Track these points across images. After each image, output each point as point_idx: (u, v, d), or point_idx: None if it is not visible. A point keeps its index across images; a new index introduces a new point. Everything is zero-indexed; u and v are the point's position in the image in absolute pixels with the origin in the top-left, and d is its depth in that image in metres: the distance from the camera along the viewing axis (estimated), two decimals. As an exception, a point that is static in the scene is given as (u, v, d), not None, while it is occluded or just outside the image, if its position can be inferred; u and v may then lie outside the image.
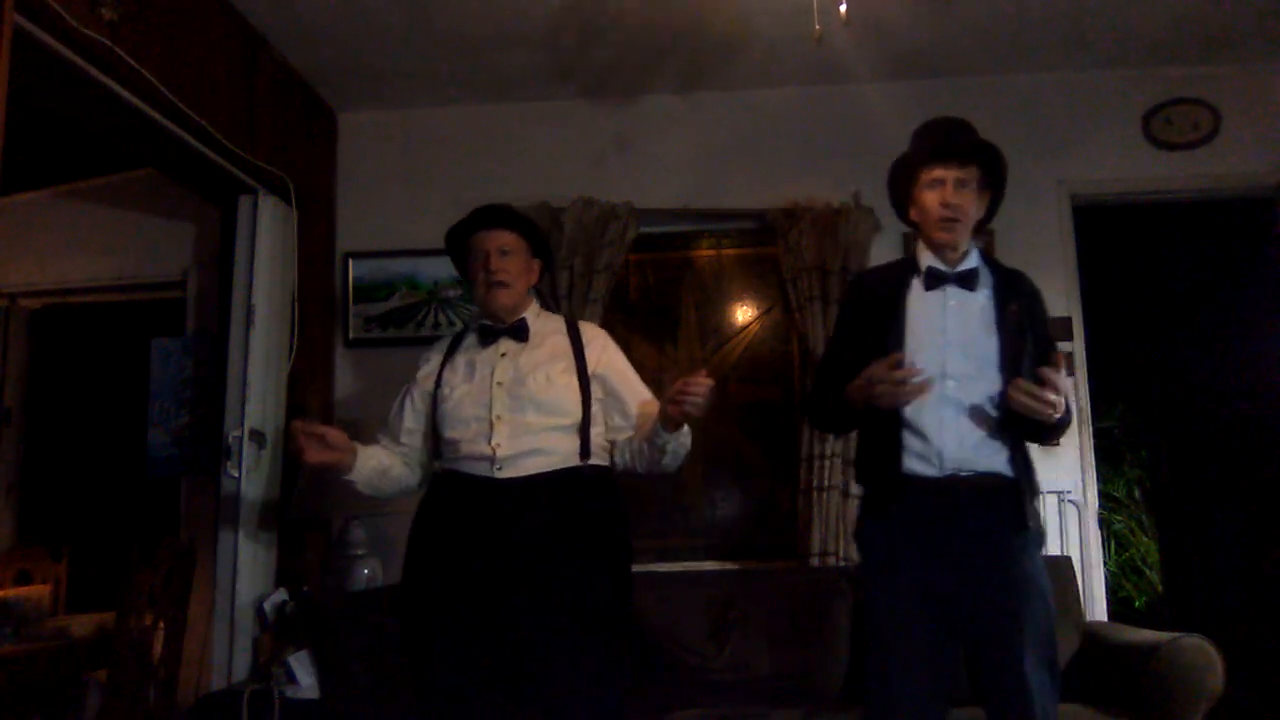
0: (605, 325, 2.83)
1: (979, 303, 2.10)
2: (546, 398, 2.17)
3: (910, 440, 2.03)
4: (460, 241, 2.38)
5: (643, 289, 3.81)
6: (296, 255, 3.50)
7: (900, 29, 3.29)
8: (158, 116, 2.73)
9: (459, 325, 3.71)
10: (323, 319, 3.71)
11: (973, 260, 2.14)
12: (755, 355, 3.73)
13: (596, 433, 2.22)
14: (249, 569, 3.18)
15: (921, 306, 2.11)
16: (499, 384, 2.20)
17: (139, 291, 4.23)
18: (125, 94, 2.58)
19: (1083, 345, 3.57)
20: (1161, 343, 4.75)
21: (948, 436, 2.00)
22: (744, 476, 3.65)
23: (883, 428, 2.06)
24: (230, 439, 3.20)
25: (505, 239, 2.30)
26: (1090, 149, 3.67)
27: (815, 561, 3.34)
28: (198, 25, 2.95)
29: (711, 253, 3.81)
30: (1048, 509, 3.42)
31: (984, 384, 2.03)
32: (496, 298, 2.27)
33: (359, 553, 3.19)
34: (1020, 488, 2.00)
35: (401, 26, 3.28)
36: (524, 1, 3.14)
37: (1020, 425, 2.03)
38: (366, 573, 3.17)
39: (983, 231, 2.27)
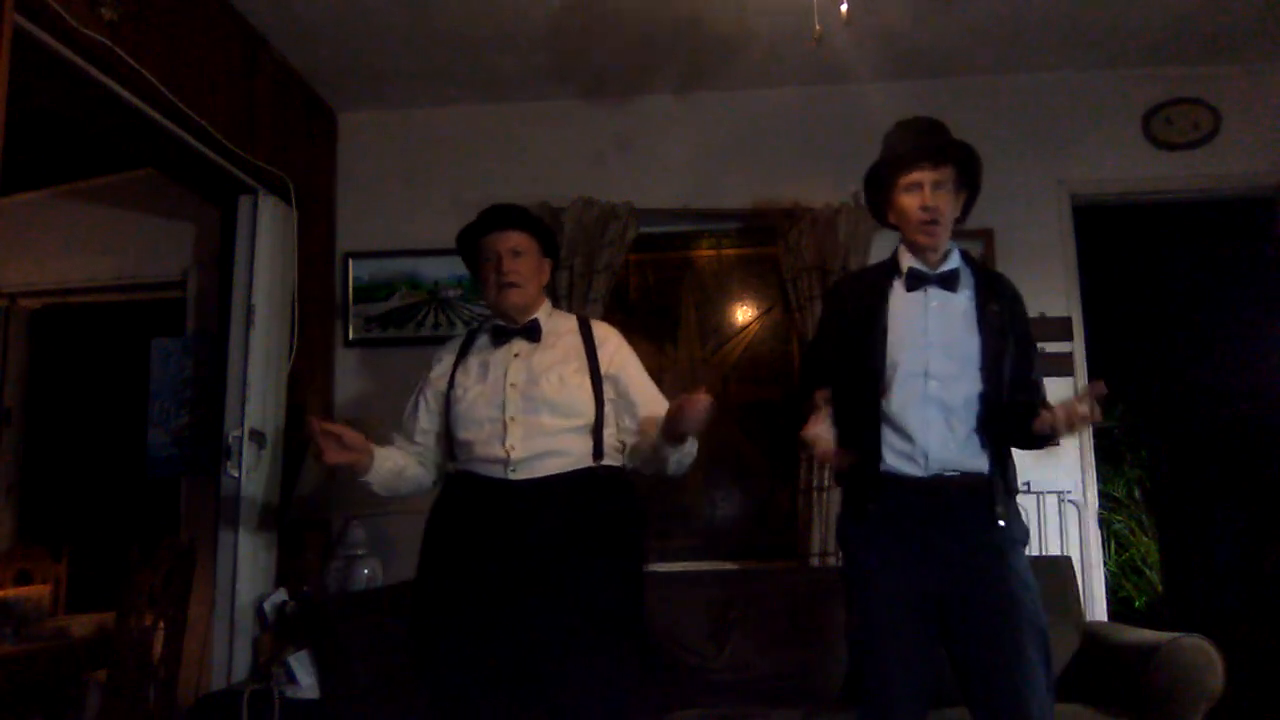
0: (605, 325, 2.82)
1: (960, 303, 2.11)
2: (560, 399, 2.17)
3: (895, 440, 2.04)
4: (471, 243, 2.37)
5: (643, 289, 3.81)
6: (296, 255, 3.50)
7: (900, 29, 3.30)
8: (158, 116, 2.73)
9: (459, 325, 3.73)
10: (323, 319, 3.71)
11: (953, 261, 2.15)
12: (755, 355, 3.73)
13: (609, 433, 2.22)
14: (249, 569, 3.18)
15: (903, 307, 2.12)
16: (512, 385, 2.19)
17: (139, 291, 4.23)
18: (125, 94, 2.58)
19: (1083, 345, 3.57)
20: (1161, 343, 4.75)
21: (932, 436, 2.02)
22: (744, 476, 3.65)
23: (862, 428, 2.07)
24: (230, 439, 3.20)
25: (517, 240, 2.29)
26: (1090, 149, 3.67)
27: (815, 561, 3.34)
28: (198, 25, 2.95)
29: (711, 253, 3.81)
30: (1048, 509, 3.42)
31: (966, 384, 2.04)
32: (509, 298, 2.27)
33: (359, 553, 3.19)
34: (994, 486, 2.01)
35: (401, 26, 3.28)
36: (524, 1, 3.14)
37: (1006, 429, 2.04)
38: (366, 573, 3.17)
39: (965, 226, 2.26)
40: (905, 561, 2.00)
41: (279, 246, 3.38)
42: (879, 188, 2.19)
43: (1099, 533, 3.56)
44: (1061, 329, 3.51)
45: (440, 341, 3.62)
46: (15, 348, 4.47)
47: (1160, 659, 2.54)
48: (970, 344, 2.06)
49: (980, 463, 2.02)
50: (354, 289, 3.80)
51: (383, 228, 3.82)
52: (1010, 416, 2.04)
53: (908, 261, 2.16)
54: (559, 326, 2.33)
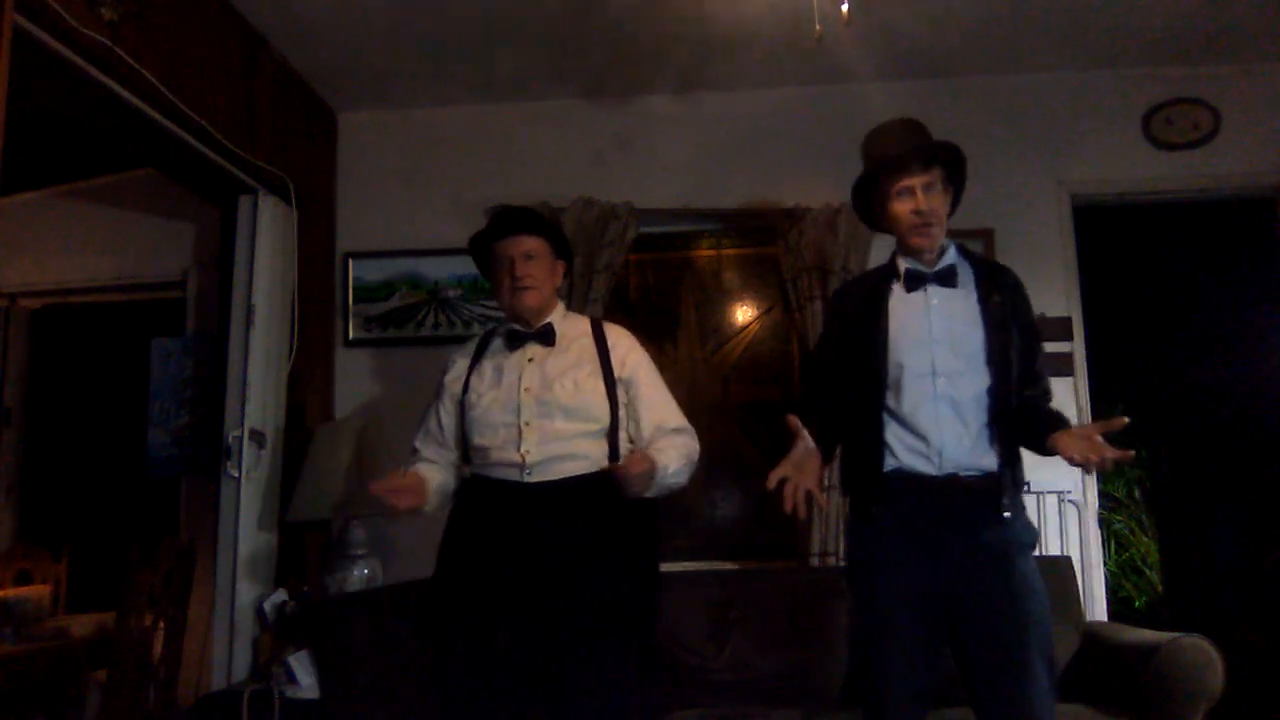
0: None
1: (961, 298, 2.11)
2: (574, 404, 2.17)
3: (909, 439, 2.04)
4: (483, 248, 2.37)
5: (643, 289, 3.81)
6: (296, 255, 3.50)
7: (900, 29, 3.29)
8: (158, 116, 2.73)
9: (459, 325, 3.73)
10: (323, 319, 3.71)
11: (950, 257, 2.15)
12: (755, 355, 3.73)
13: (624, 437, 2.23)
14: (249, 569, 3.18)
15: (904, 308, 2.12)
16: (526, 390, 2.20)
17: (139, 291, 4.23)
18: (125, 94, 2.58)
19: (1083, 345, 3.57)
20: (1161, 343, 4.75)
21: (946, 435, 2.01)
22: (744, 476, 3.65)
23: (868, 428, 2.07)
24: (230, 439, 3.19)
25: (529, 244, 2.30)
26: (1090, 149, 3.67)
27: (815, 561, 3.34)
28: (198, 25, 2.95)
29: (711, 253, 3.82)
30: (1048, 509, 3.42)
31: (973, 379, 2.04)
32: (523, 301, 2.27)
33: (359, 553, 3.19)
34: (1002, 481, 2.01)
35: (401, 26, 3.27)
36: (524, 1, 3.13)
37: (1015, 429, 2.04)
38: (366, 573, 3.17)
39: (969, 224, 2.26)
40: (913, 561, 2.00)
41: (279, 246, 3.38)
42: (869, 195, 2.19)
43: (1099, 533, 3.56)
44: (1061, 329, 3.51)
45: (440, 342, 3.69)
46: (15, 348, 4.47)
47: (1160, 659, 2.54)
48: (975, 339, 2.06)
49: (990, 460, 2.02)
50: (354, 289, 3.79)
51: (383, 228, 3.82)
52: (1019, 417, 2.04)
53: (905, 263, 2.16)
54: (573, 330, 2.34)
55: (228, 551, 3.17)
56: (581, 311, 3.38)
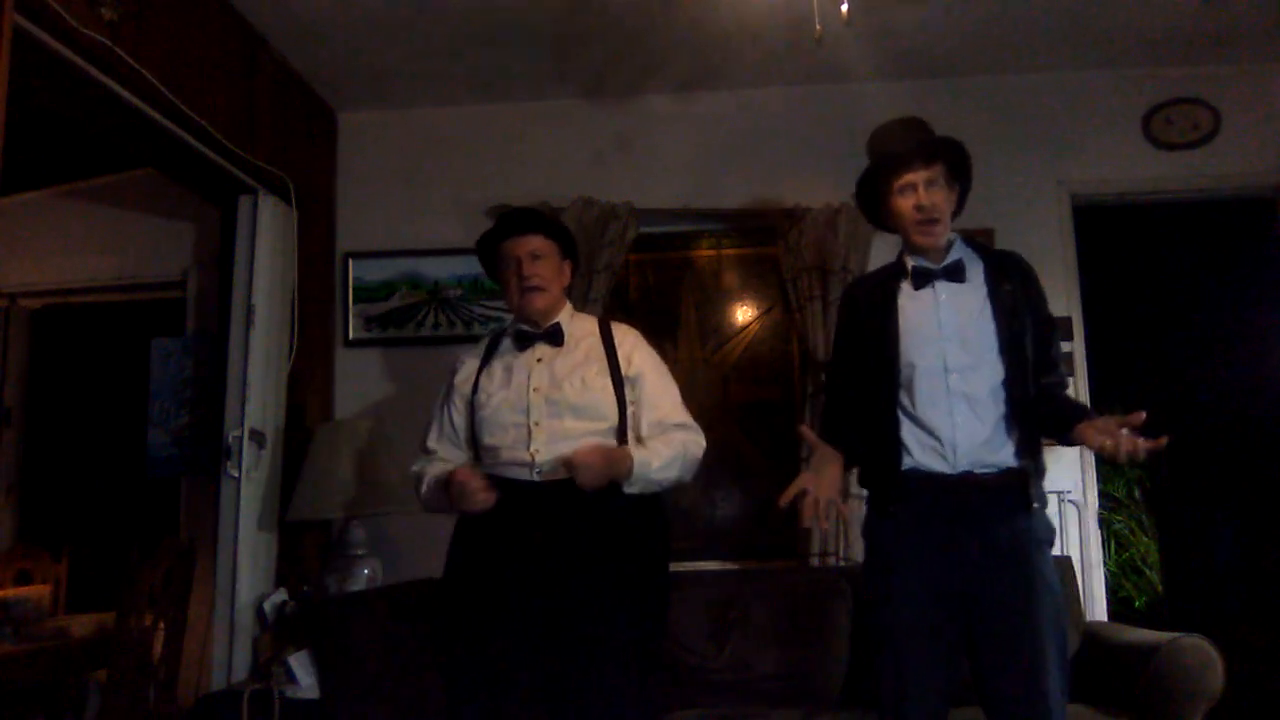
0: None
1: (971, 292, 2.11)
2: (582, 403, 2.18)
3: (922, 437, 2.03)
4: (490, 249, 2.37)
5: (643, 289, 3.81)
6: (296, 255, 3.49)
7: (900, 29, 3.30)
8: (158, 116, 2.72)
9: (459, 325, 3.73)
10: (323, 319, 3.71)
11: (957, 252, 2.15)
12: (755, 355, 3.73)
13: (633, 436, 2.23)
14: (249, 569, 3.17)
15: (913, 305, 2.12)
16: (535, 390, 2.21)
17: (139, 291, 4.23)
18: (125, 94, 2.58)
19: (1083, 345, 3.57)
20: (1161, 343, 4.75)
21: (960, 431, 2.00)
22: (744, 476, 3.65)
23: (884, 427, 2.07)
24: (230, 439, 3.19)
25: (536, 243, 2.31)
26: (1090, 149, 3.67)
27: (815, 561, 3.34)
28: (198, 25, 2.95)
29: (711, 253, 3.81)
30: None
31: (987, 373, 2.03)
32: (532, 302, 2.28)
33: (359, 553, 3.19)
34: (1027, 474, 2.00)
35: (401, 26, 3.27)
36: (524, 1, 3.13)
37: (1039, 419, 2.03)
38: (366, 573, 3.17)
39: (970, 225, 2.26)
40: (927, 561, 1.99)
41: (279, 246, 3.38)
42: (872, 194, 2.19)
43: (1099, 533, 3.56)
44: (1061, 329, 3.50)
45: (440, 342, 3.69)
46: (15, 348, 4.47)
47: (1160, 659, 2.54)
48: (986, 331, 2.05)
49: (1008, 456, 2.01)
50: (354, 289, 3.79)
51: (383, 228, 3.82)
52: (1039, 405, 2.03)
53: (912, 261, 2.15)
54: (580, 329, 2.35)
55: (228, 551, 3.17)
56: (581, 311, 3.39)
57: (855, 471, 2.24)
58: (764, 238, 3.70)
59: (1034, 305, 2.12)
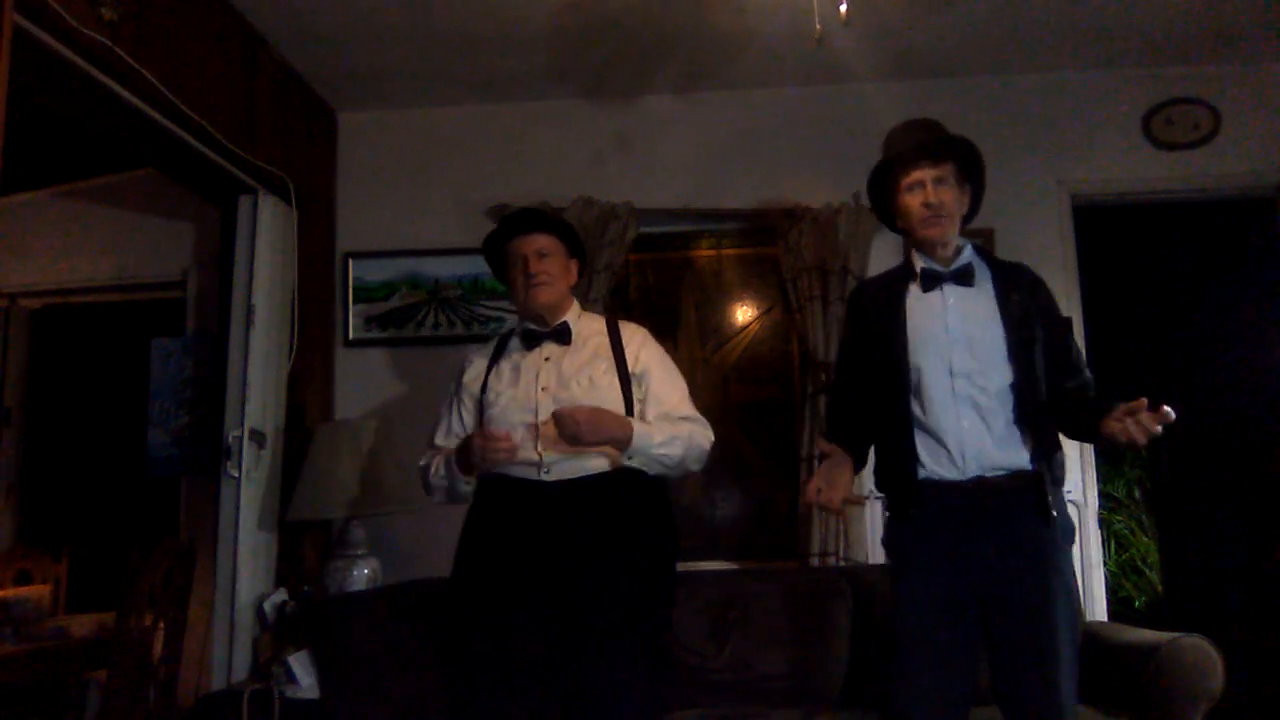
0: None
1: (979, 297, 2.10)
2: (590, 401, 2.18)
3: (932, 446, 2.03)
4: (496, 250, 2.38)
5: (643, 289, 3.81)
6: (296, 255, 3.49)
7: (900, 29, 3.30)
8: (158, 116, 2.72)
9: (459, 325, 3.73)
10: (323, 319, 3.71)
11: (966, 256, 2.15)
12: (755, 355, 3.73)
13: None
14: (249, 569, 3.17)
15: (921, 308, 2.12)
16: (543, 389, 2.22)
17: (139, 291, 4.23)
18: (125, 94, 2.58)
19: (1083, 345, 3.55)
20: (1161, 343, 4.74)
21: (967, 436, 2.00)
22: (744, 476, 3.65)
23: (897, 435, 2.07)
24: (230, 439, 3.19)
25: (542, 242, 2.32)
26: (1090, 149, 3.67)
27: (815, 561, 3.34)
28: (197, 25, 2.95)
29: (711, 253, 3.81)
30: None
31: (994, 377, 2.03)
32: (538, 297, 2.29)
33: (359, 553, 3.19)
34: (1043, 480, 1.99)
35: (401, 26, 3.28)
36: (524, 1, 3.13)
37: (1068, 424, 2.03)
38: (366, 573, 3.17)
39: (969, 227, 2.26)
40: (937, 568, 2.00)
41: (279, 246, 3.38)
42: (883, 193, 2.19)
43: (1099, 533, 3.56)
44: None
45: (441, 342, 3.70)
46: (15, 348, 4.47)
47: (1160, 659, 2.54)
48: (994, 336, 2.05)
49: (1022, 458, 2.00)
50: (354, 289, 3.79)
51: (383, 228, 3.82)
52: (1067, 410, 2.03)
53: (921, 263, 2.15)
54: (588, 328, 2.35)
55: (228, 551, 3.17)
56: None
57: (862, 472, 2.25)
58: (764, 238, 3.70)
59: (1045, 313, 2.11)
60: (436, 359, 3.65)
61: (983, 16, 3.29)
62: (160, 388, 3.91)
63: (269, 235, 3.33)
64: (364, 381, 3.75)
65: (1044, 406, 2.03)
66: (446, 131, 3.88)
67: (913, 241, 2.18)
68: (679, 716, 2.70)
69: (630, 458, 2.16)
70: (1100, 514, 3.62)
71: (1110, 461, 4.60)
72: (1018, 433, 2.01)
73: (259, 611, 3.12)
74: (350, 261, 3.81)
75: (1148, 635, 2.73)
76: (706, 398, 3.61)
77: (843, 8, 2.38)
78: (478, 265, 3.51)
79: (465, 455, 2.18)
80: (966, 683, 2.02)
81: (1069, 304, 3.58)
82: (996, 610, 1.97)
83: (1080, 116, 3.68)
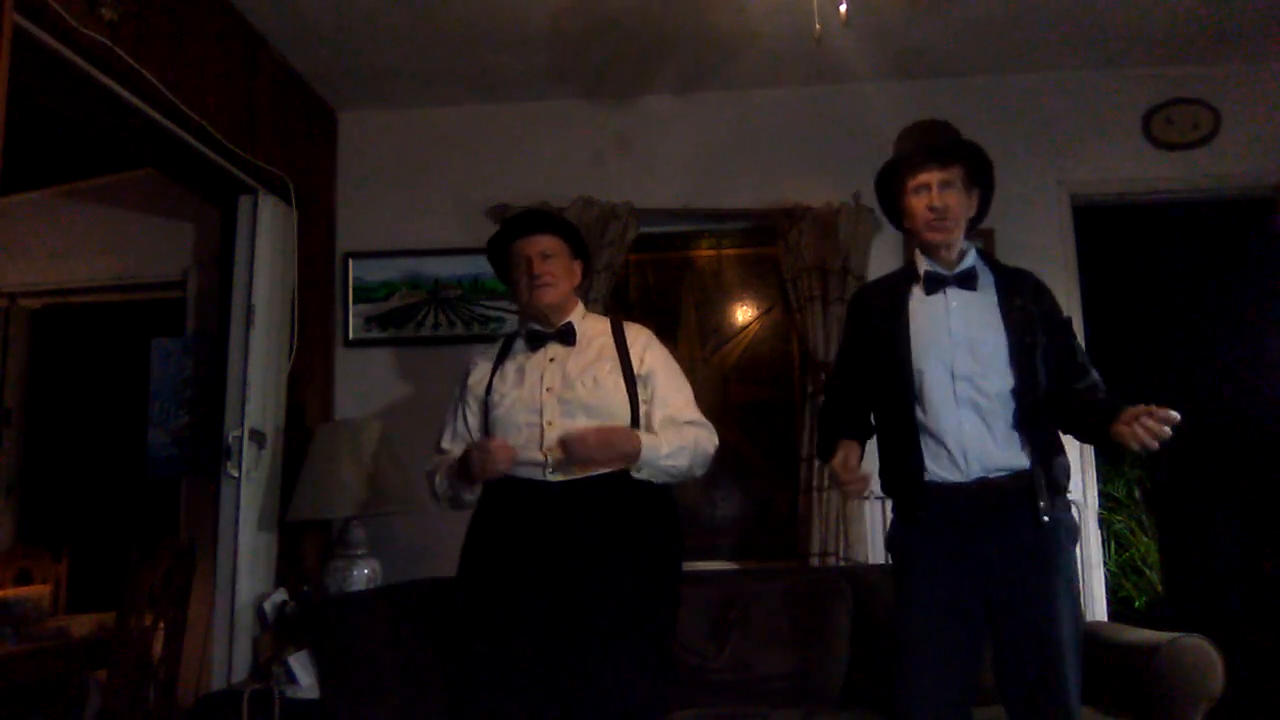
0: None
1: (982, 301, 2.11)
2: (595, 401, 2.19)
3: (934, 448, 2.03)
4: (500, 251, 2.38)
5: (643, 289, 3.81)
6: (296, 255, 3.49)
7: (900, 29, 3.30)
8: (158, 116, 2.72)
9: (459, 325, 3.73)
10: (323, 319, 3.70)
11: (970, 260, 2.15)
12: (755, 355, 3.73)
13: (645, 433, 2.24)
14: (249, 569, 3.17)
15: (924, 310, 2.12)
16: (548, 390, 2.22)
17: (139, 291, 4.23)
18: (125, 94, 2.58)
19: (1083, 345, 3.55)
20: (1161, 343, 4.74)
21: (969, 438, 2.01)
22: (744, 476, 3.64)
23: (902, 438, 2.07)
24: (230, 439, 3.19)
25: (545, 243, 2.32)
26: (1090, 149, 3.67)
27: (815, 561, 3.34)
28: (197, 25, 2.95)
29: (711, 253, 3.81)
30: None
31: (996, 380, 2.03)
32: (542, 298, 2.29)
33: (359, 553, 3.19)
34: (1036, 482, 2.00)
35: (401, 26, 3.27)
36: (524, 1, 3.13)
37: (1077, 426, 2.04)
38: (366, 573, 3.17)
39: (976, 229, 2.26)
40: (942, 570, 2.00)
41: (279, 246, 3.38)
42: (890, 193, 2.20)
43: (1099, 533, 3.56)
44: (1061, 329, 3.51)
45: (440, 342, 3.70)
46: (15, 348, 4.47)
47: (1160, 659, 2.54)
48: (996, 340, 2.06)
49: (1020, 460, 2.01)
50: (354, 289, 3.79)
51: (383, 228, 3.82)
52: (1076, 412, 2.03)
53: (924, 265, 2.16)
54: (593, 329, 2.36)
55: (228, 551, 3.17)
56: (582, 311, 3.39)
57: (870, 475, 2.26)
58: (764, 238, 3.70)
59: (1048, 317, 2.12)
60: (437, 359, 3.65)
61: (983, 16, 3.29)
62: (160, 388, 3.91)
63: (269, 235, 3.33)
64: (364, 381, 3.75)
65: (1043, 411, 2.03)
66: (446, 131, 3.88)
67: (917, 243, 2.18)
68: (679, 716, 2.69)
69: (639, 470, 2.16)
70: (1100, 514, 3.62)
71: (1110, 461, 4.60)
72: (1018, 436, 2.02)
73: (259, 611, 3.11)
74: (350, 261, 3.81)
75: (1148, 635, 2.73)
76: (706, 398, 3.59)
77: (843, 8, 2.38)
78: (478, 265, 3.52)
79: (466, 466, 2.19)
80: (968, 683, 2.02)
81: (1069, 304, 3.57)
82: (1001, 611, 1.98)
83: (1080, 116, 3.68)
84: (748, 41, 3.36)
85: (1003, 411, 2.02)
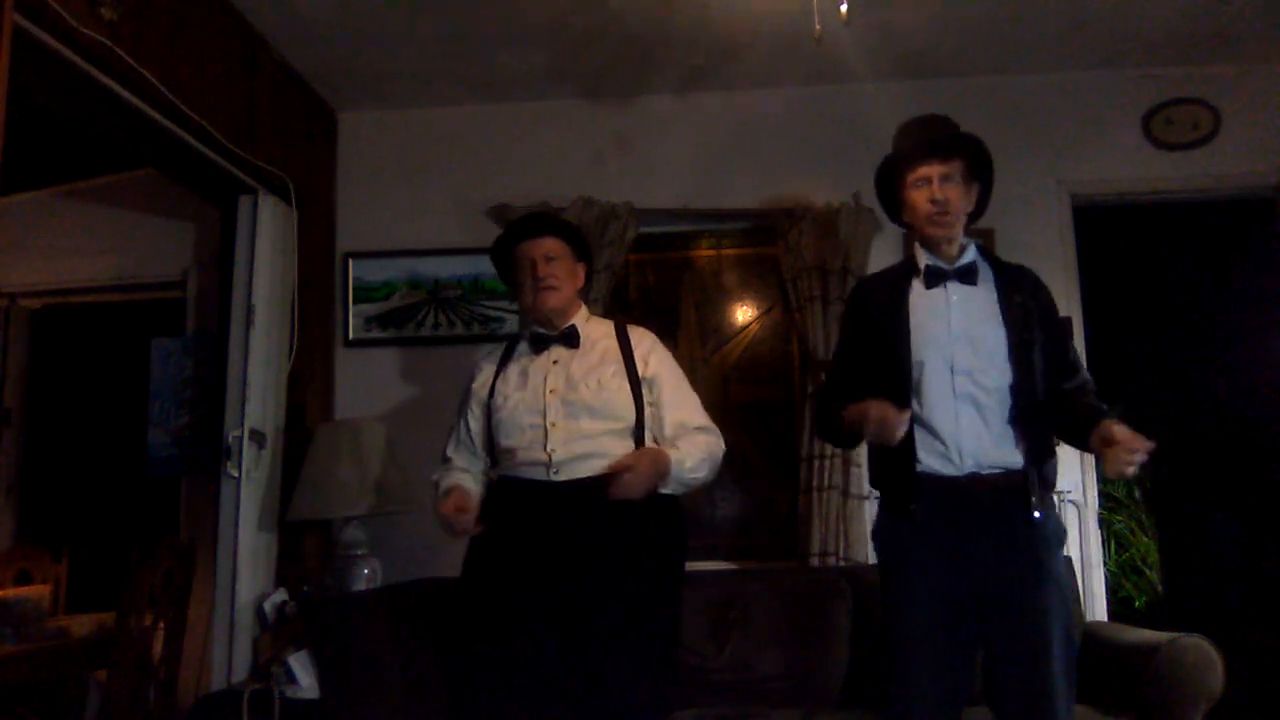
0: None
1: (981, 297, 2.11)
2: (598, 403, 2.19)
3: (928, 440, 2.03)
4: (504, 254, 2.38)
5: (643, 289, 3.81)
6: (296, 255, 3.49)
7: (900, 29, 3.30)
8: (158, 116, 2.72)
9: (459, 325, 3.73)
10: (323, 319, 3.70)
11: (970, 255, 2.15)
12: (755, 355, 3.73)
13: (650, 436, 2.25)
14: (249, 569, 3.17)
15: (924, 304, 2.12)
16: (551, 391, 2.23)
17: (139, 291, 4.23)
18: (125, 94, 2.58)
19: (1083, 345, 3.57)
20: (1161, 343, 4.75)
21: (965, 433, 2.01)
22: (744, 476, 3.64)
23: None
24: (230, 439, 3.19)
25: (549, 245, 2.33)
26: (1090, 149, 3.67)
27: (815, 561, 3.34)
28: (197, 25, 2.95)
29: (711, 253, 3.81)
30: (1048, 509, 3.42)
31: (994, 376, 2.03)
32: (546, 300, 2.30)
33: (359, 553, 3.19)
34: (1029, 480, 2.00)
35: (401, 26, 3.27)
36: (524, 1, 3.13)
37: (1062, 427, 2.03)
38: (366, 573, 3.17)
39: (975, 224, 2.26)
40: (934, 565, 2.00)
41: (279, 246, 3.38)
42: (890, 187, 2.20)
43: (1099, 533, 3.56)
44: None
45: (440, 342, 3.70)
46: (15, 348, 4.47)
47: (1160, 659, 2.54)
48: (995, 336, 2.06)
49: (1015, 457, 2.01)
50: (354, 289, 3.79)
51: (383, 228, 3.82)
52: (1061, 413, 2.03)
53: (924, 259, 2.15)
54: (597, 332, 2.37)
55: (228, 551, 3.17)
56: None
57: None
58: (764, 238, 3.70)
59: (1045, 316, 2.12)
60: (437, 359, 3.66)
61: (983, 16, 3.29)
62: (160, 388, 3.91)
63: (269, 235, 3.33)
64: (364, 381, 3.75)
65: (1040, 408, 2.03)
66: (446, 131, 3.88)
67: (917, 237, 2.18)
68: (679, 716, 2.69)
69: (666, 486, 2.18)
70: (1100, 514, 3.62)
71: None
72: (1013, 432, 2.02)
73: (259, 611, 3.12)
74: (350, 261, 3.81)
75: (1148, 635, 2.74)
76: (707, 398, 3.57)
77: (843, 8, 2.37)
78: (478, 265, 3.52)
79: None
80: (964, 682, 2.02)
81: (1069, 304, 3.58)
82: (993, 611, 1.98)
83: (1080, 116, 3.68)
84: (748, 41, 3.36)
85: (999, 407, 2.02)
